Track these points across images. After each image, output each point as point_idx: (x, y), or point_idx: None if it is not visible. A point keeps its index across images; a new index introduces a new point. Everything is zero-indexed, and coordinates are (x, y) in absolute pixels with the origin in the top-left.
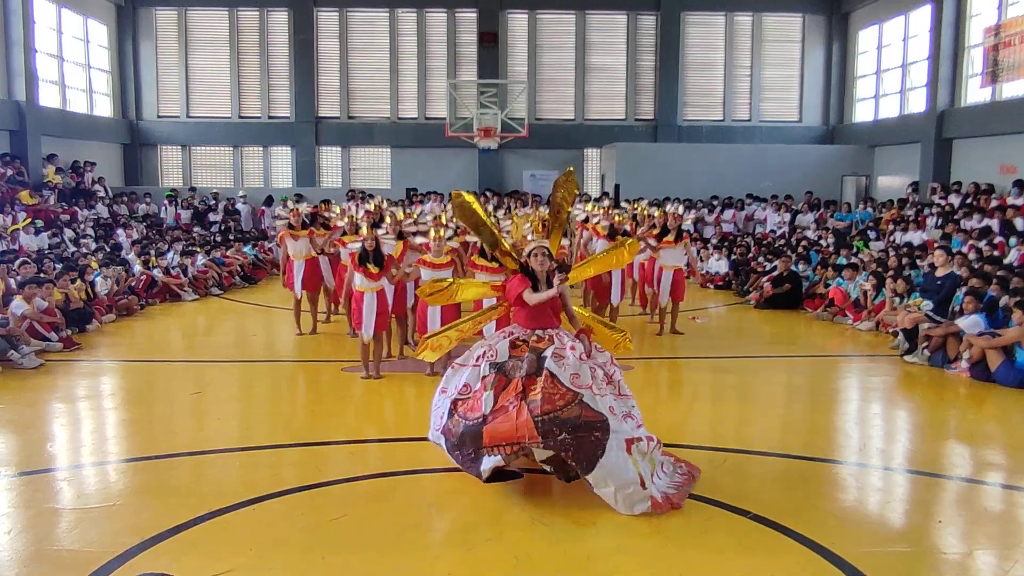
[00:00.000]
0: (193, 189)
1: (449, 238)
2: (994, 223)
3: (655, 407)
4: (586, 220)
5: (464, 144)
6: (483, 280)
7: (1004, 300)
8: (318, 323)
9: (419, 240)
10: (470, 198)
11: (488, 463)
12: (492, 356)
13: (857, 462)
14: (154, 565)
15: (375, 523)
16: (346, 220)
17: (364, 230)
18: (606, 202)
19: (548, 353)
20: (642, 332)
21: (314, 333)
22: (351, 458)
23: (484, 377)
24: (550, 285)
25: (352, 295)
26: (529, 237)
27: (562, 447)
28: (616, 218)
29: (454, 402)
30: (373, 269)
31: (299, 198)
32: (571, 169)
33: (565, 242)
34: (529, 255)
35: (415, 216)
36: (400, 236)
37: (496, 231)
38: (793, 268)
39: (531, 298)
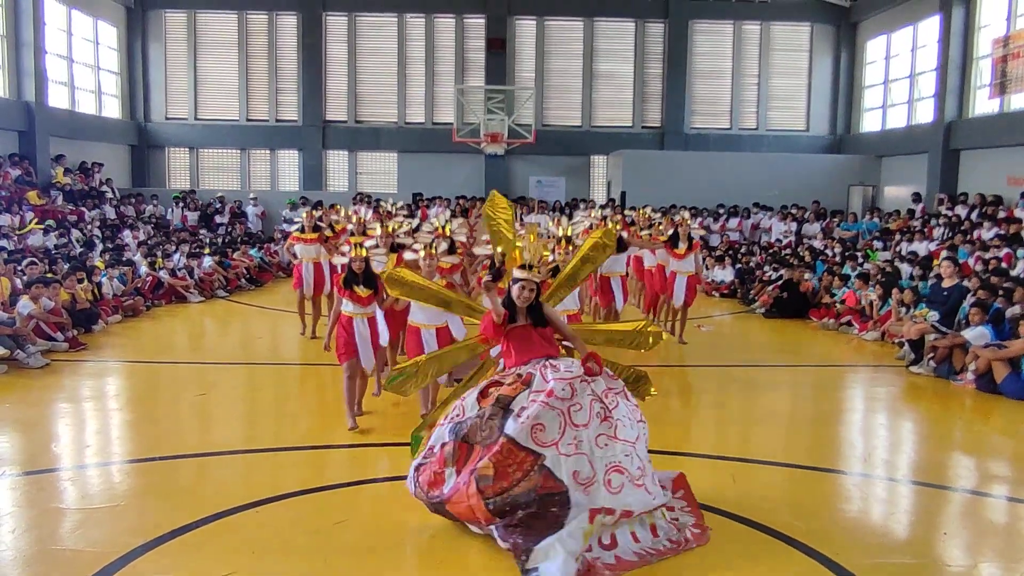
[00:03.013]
0: (193, 192)
1: (446, 252)
2: (992, 233)
3: (660, 415)
4: (590, 227)
5: (471, 149)
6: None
7: (1011, 312)
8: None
9: (410, 256)
10: (405, 274)
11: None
12: (458, 414)
13: (862, 473)
14: (157, 566)
15: (378, 527)
16: (355, 221)
17: (367, 234)
18: (603, 212)
19: (516, 406)
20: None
21: (314, 337)
22: (354, 462)
23: (444, 445)
24: (535, 323)
25: (340, 319)
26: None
27: (517, 528)
28: (608, 224)
29: (417, 467)
30: (362, 292)
31: (305, 201)
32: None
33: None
34: (515, 282)
35: (407, 226)
36: (393, 248)
37: (450, 295)
38: (806, 279)
39: (495, 308)
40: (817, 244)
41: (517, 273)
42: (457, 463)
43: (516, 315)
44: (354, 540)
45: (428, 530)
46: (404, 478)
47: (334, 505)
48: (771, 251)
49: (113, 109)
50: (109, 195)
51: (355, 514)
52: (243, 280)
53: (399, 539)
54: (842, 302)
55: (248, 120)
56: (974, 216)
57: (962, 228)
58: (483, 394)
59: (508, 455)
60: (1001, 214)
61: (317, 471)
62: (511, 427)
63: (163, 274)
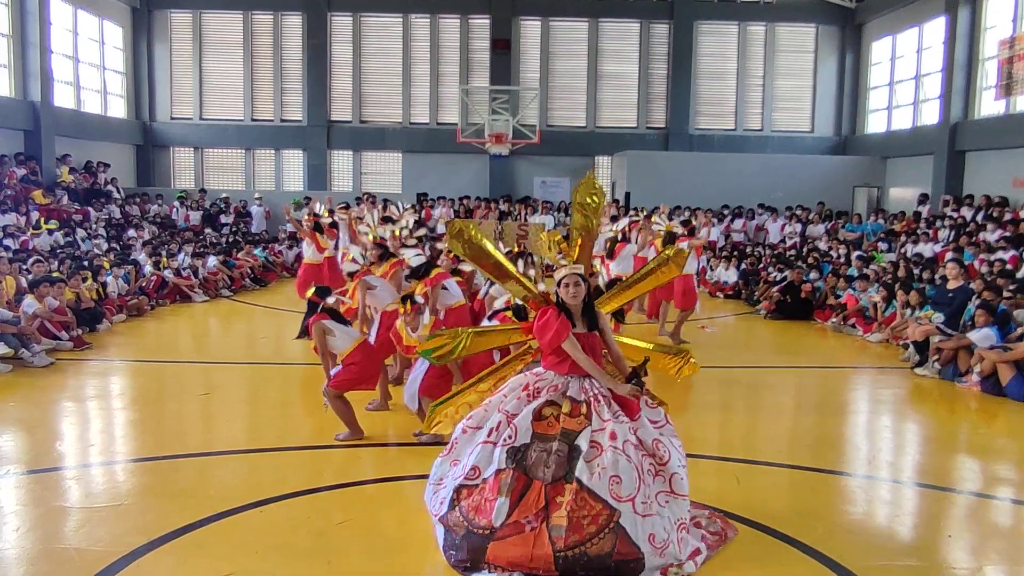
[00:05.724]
0: (203, 191)
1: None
2: (997, 235)
3: None
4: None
5: (475, 150)
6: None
7: (1019, 313)
8: None
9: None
10: (471, 228)
11: None
12: (511, 437)
13: (866, 474)
14: (160, 566)
15: (380, 527)
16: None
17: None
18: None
19: (582, 443)
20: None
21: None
22: (357, 462)
23: (500, 472)
24: (589, 327)
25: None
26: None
27: None
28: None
29: (458, 489)
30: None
31: (309, 200)
32: (589, 173)
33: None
34: (559, 284)
35: (401, 228)
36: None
37: (514, 270)
38: (805, 278)
39: (576, 354)
40: (822, 245)
41: (560, 271)
42: (512, 493)
43: (573, 320)
44: (356, 541)
45: (430, 530)
46: (404, 479)
47: (337, 505)
48: (776, 252)
49: (118, 109)
50: (114, 195)
51: (357, 515)
52: (247, 280)
53: (401, 540)
54: (843, 305)
55: (253, 120)
56: (979, 218)
57: (967, 230)
58: (538, 415)
59: (583, 505)
60: (1007, 216)
61: (320, 471)
62: (586, 475)
63: (168, 273)
